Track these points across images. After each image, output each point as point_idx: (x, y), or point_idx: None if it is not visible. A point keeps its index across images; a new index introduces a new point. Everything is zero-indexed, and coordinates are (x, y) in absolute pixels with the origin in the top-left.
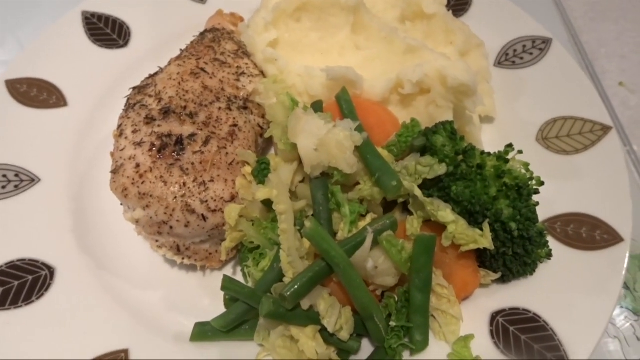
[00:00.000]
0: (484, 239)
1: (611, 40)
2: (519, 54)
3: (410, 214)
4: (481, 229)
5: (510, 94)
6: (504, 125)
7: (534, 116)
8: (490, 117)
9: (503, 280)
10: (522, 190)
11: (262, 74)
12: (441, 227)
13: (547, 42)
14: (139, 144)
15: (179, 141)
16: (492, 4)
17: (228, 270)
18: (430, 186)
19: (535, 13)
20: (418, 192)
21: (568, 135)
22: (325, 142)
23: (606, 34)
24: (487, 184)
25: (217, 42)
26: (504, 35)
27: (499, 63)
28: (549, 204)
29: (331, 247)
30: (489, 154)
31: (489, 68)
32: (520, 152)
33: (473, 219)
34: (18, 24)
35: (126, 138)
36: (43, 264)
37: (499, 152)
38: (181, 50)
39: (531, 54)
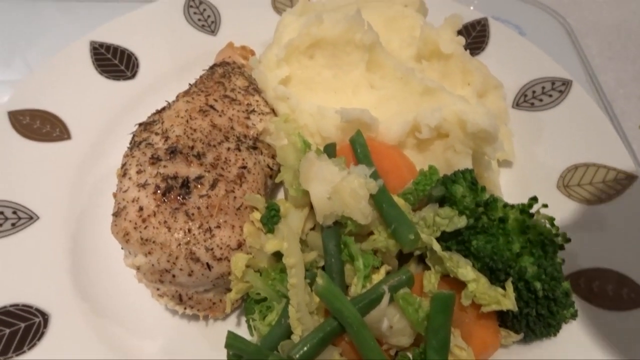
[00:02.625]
0: (507, 300)
1: (629, 80)
2: (538, 96)
3: (426, 266)
4: (503, 287)
5: (529, 138)
6: (523, 171)
7: (555, 161)
8: (509, 162)
9: (525, 340)
10: (548, 247)
11: (273, 112)
12: (460, 283)
13: (567, 83)
14: (143, 186)
15: (185, 184)
16: (509, 42)
17: (232, 320)
18: (448, 238)
19: (551, 51)
20: (437, 247)
21: (591, 184)
22: (339, 190)
23: (624, 73)
24: (510, 239)
25: (227, 77)
26: (522, 76)
27: (517, 104)
28: (571, 258)
29: (344, 306)
30: (512, 206)
31: (507, 110)
32: (545, 205)
33: (494, 275)
34: (27, 45)
35: (130, 179)
36: (37, 309)
37: (522, 204)
38: (190, 84)
39: (550, 95)
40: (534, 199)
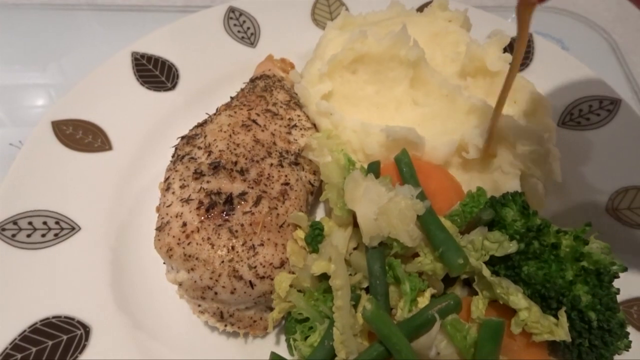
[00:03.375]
0: (560, 330)
1: None
2: (585, 115)
3: (472, 290)
4: (555, 316)
5: (576, 158)
6: (571, 193)
7: (603, 184)
8: (555, 183)
9: None
10: (603, 277)
11: (315, 126)
12: (507, 310)
13: (615, 102)
14: (187, 201)
15: (229, 200)
16: (554, 59)
17: (271, 338)
18: (496, 263)
19: (594, 67)
20: (487, 273)
21: None
22: (386, 211)
23: None
24: (563, 266)
25: (268, 91)
26: (567, 93)
27: (562, 123)
28: (622, 285)
29: (392, 332)
30: (565, 232)
31: (555, 129)
32: (599, 232)
33: (545, 303)
34: (63, 52)
35: (173, 193)
36: (79, 322)
37: (576, 230)
38: (231, 97)
39: (598, 114)
40: (588, 225)
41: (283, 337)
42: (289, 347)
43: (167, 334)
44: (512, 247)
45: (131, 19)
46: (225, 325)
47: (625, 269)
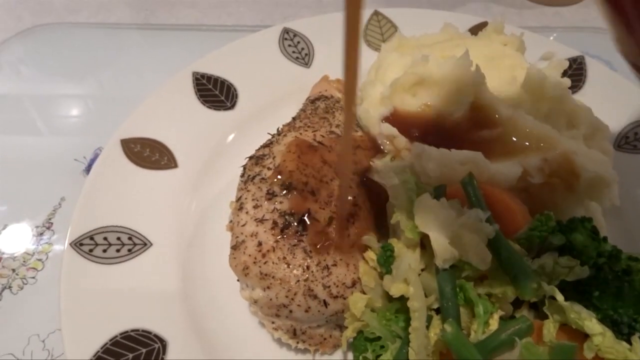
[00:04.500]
0: (634, 355)
1: None
2: None
3: (538, 313)
4: (627, 341)
5: (632, 181)
6: (628, 217)
7: None
8: (613, 206)
9: None
10: None
11: (377, 148)
12: (578, 333)
13: None
14: (261, 221)
15: (302, 220)
16: (607, 81)
17: (338, 354)
18: (565, 287)
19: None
20: (560, 297)
21: None
22: (458, 234)
23: None
24: (635, 292)
25: (330, 112)
26: (622, 116)
27: (618, 146)
28: None
29: (472, 355)
30: (636, 258)
31: (613, 153)
32: None
33: (617, 328)
34: (102, 66)
35: (247, 213)
36: (156, 335)
37: None
38: (293, 118)
39: None
40: None
41: (349, 355)
42: None
43: (238, 349)
44: (584, 272)
45: (181, 38)
46: (298, 342)
47: None
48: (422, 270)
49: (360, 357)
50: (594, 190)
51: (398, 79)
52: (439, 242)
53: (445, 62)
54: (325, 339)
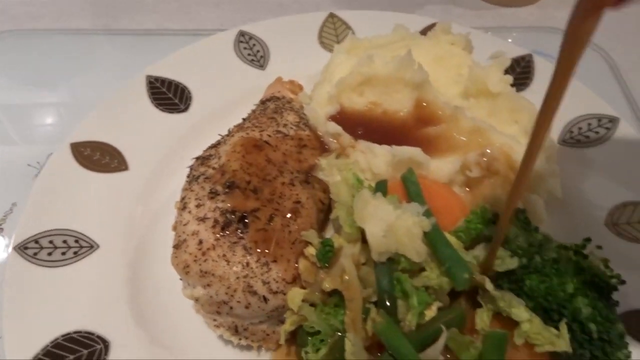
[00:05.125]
0: (561, 341)
1: None
2: (584, 132)
3: (476, 303)
4: (556, 328)
5: (575, 174)
6: (570, 208)
7: (602, 199)
8: (555, 199)
9: None
10: (602, 289)
11: (323, 147)
12: (511, 322)
13: (613, 120)
14: (203, 220)
15: (243, 218)
16: None
17: (282, 351)
18: (500, 277)
19: (593, 86)
20: (490, 287)
21: None
22: (394, 228)
23: None
24: (563, 279)
25: (279, 113)
26: (567, 112)
27: (562, 141)
28: (622, 298)
29: (401, 344)
30: (565, 246)
31: (555, 147)
32: (599, 247)
33: (547, 316)
34: (74, 74)
35: (189, 212)
36: (98, 337)
37: (576, 245)
38: (243, 119)
39: (597, 132)
40: (588, 240)
41: (293, 350)
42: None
43: (183, 348)
44: (513, 263)
45: (142, 42)
46: (240, 339)
47: (623, 282)
48: (363, 264)
49: (302, 352)
50: (533, 184)
51: (344, 78)
52: (374, 235)
53: (389, 61)
54: (268, 335)
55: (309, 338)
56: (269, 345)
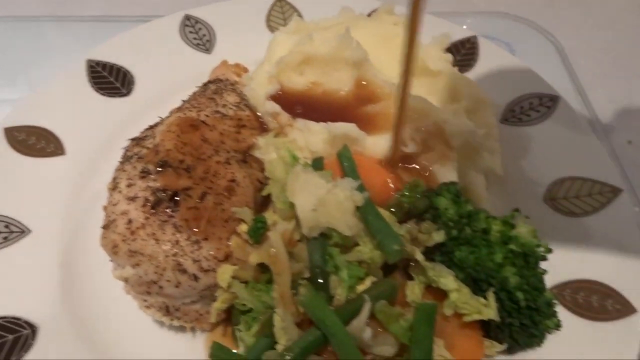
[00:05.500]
0: (489, 309)
1: (619, 97)
2: (526, 111)
3: (412, 277)
4: (485, 298)
5: (516, 152)
6: (511, 184)
7: (541, 175)
8: (497, 176)
9: (509, 351)
10: (530, 258)
11: (263, 127)
12: (444, 294)
13: (554, 99)
14: (133, 199)
15: (174, 197)
16: (497, 60)
17: (219, 331)
18: (433, 249)
19: (542, 69)
20: (420, 257)
21: (577, 197)
22: (325, 202)
23: (613, 90)
24: (492, 250)
25: (219, 93)
26: (510, 92)
27: (505, 120)
28: (557, 269)
29: (326, 316)
30: (494, 218)
31: (496, 125)
32: (527, 217)
33: (477, 286)
34: (30, 65)
35: (120, 192)
36: (26, 322)
37: (505, 216)
38: (183, 101)
39: (538, 111)
40: (516, 211)
41: (230, 332)
42: (236, 338)
43: (116, 331)
44: (440, 236)
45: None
46: (172, 320)
47: (550, 251)
48: (299, 241)
49: (236, 331)
50: (467, 158)
51: (284, 57)
52: (304, 209)
53: (328, 40)
54: (201, 315)
55: (241, 316)
56: (202, 325)
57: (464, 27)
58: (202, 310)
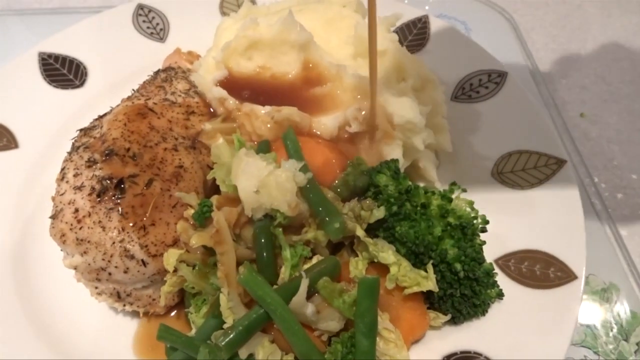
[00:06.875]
0: (428, 281)
1: (572, 71)
2: (475, 88)
3: (357, 254)
4: (426, 271)
5: (466, 128)
6: (460, 160)
7: (490, 150)
8: (446, 152)
9: (454, 321)
10: (467, 230)
11: (212, 113)
12: (387, 269)
13: (502, 75)
14: (79, 188)
15: (120, 184)
16: (448, 39)
17: (174, 316)
18: (376, 226)
19: (495, 45)
20: (361, 233)
21: (523, 170)
22: (266, 183)
23: (567, 65)
24: (431, 223)
25: (169, 81)
26: (460, 70)
27: (455, 97)
28: (502, 241)
29: (266, 294)
30: (433, 192)
31: (445, 102)
32: (464, 190)
33: (419, 259)
34: None
35: (67, 182)
36: None
37: (444, 190)
38: (133, 90)
39: (487, 87)
40: (454, 184)
41: (184, 314)
42: (188, 321)
43: (70, 320)
44: (380, 213)
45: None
46: (124, 305)
47: (487, 222)
48: (246, 223)
49: (188, 314)
50: (410, 136)
51: (229, 42)
52: (246, 191)
53: (273, 23)
54: (154, 299)
55: (191, 299)
56: (155, 309)
57: (427, 7)
58: (154, 295)
